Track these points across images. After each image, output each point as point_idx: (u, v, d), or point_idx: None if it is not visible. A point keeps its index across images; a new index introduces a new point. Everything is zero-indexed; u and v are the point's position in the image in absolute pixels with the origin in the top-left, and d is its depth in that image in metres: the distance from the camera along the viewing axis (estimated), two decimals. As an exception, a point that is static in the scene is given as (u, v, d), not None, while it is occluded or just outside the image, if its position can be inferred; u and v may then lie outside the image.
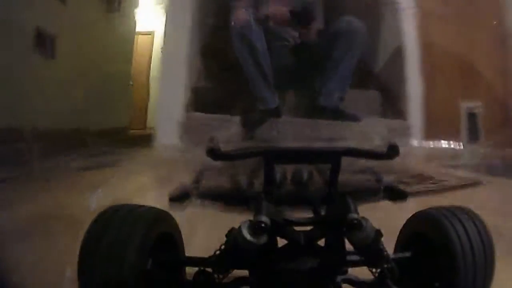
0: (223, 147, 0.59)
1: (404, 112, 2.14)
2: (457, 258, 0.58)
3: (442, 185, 1.65)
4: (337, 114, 1.79)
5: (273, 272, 0.58)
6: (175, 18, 2.20)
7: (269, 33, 1.79)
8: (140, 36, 3.60)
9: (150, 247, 0.55)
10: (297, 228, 0.61)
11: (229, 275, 0.58)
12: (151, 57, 3.87)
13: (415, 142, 2.09)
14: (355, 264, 0.61)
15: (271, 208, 0.56)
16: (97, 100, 2.16)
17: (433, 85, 2.26)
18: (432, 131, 2.18)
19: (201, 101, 2.01)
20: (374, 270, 0.59)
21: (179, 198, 0.70)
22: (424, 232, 0.64)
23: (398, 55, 2.22)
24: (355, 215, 0.53)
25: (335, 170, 0.63)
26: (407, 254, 0.65)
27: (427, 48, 2.26)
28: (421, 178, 1.76)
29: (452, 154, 2.20)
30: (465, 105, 2.37)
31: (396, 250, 0.70)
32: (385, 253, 0.56)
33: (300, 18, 1.86)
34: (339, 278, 0.59)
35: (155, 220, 0.59)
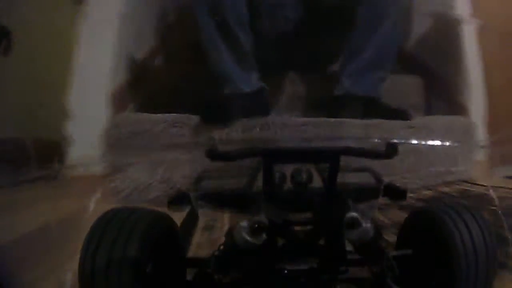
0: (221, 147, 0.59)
1: (462, 106, 1.47)
2: (459, 255, 0.58)
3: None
4: (376, 107, 1.10)
5: (272, 272, 0.58)
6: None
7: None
8: None
9: (150, 248, 0.55)
10: (296, 228, 0.61)
11: (229, 275, 0.58)
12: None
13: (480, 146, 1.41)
14: (355, 263, 0.61)
15: (270, 208, 0.56)
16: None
17: (494, 68, 1.56)
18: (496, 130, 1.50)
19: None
20: (374, 269, 0.59)
21: (178, 202, 0.70)
22: (425, 230, 0.64)
23: (447, 26, 1.51)
24: (354, 214, 0.53)
25: (334, 169, 0.63)
26: (408, 252, 0.65)
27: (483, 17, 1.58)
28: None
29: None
30: None
31: (396, 248, 0.69)
32: (385, 252, 0.56)
33: None
34: (339, 277, 0.59)
35: (155, 222, 0.59)
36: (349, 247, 0.59)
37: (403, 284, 0.58)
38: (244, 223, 0.52)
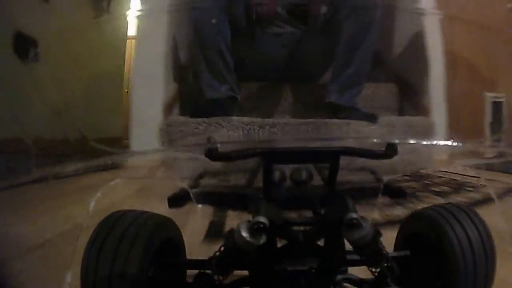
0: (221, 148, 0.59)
1: (426, 108, 1.77)
2: (456, 256, 0.58)
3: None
4: (353, 114, 1.41)
5: (273, 272, 0.58)
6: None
7: (257, 20, 1.46)
8: (132, 40, 3.53)
9: (152, 253, 0.55)
10: (296, 228, 0.61)
11: (229, 276, 0.58)
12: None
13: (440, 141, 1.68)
14: (354, 263, 0.61)
15: (270, 208, 0.56)
16: (87, 108, 1.89)
17: (455, 77, 1.94)
18: (455, 128, 1.84)
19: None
20: (373, 269, 0.59)
21: (178, 201, 0.70)
22: (422, 232, 0.64)
23: (417, 41, 1.83)
24: (354, 215, 0.53)
25: (334, 169, 0.63)
26: (406, 253, 0.65)
27: (448, 34, 1.95)
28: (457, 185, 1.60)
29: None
30: (490, 98, 2.12)
31: (395, 249, 0.70)
32: (385, 252, 0.56)
33: None
34: (339, 277, 0.59)
35: (158, 227, 0.59)
36: (348, 248, 0.59)
37: (403, 285, 0.59)
38: (244, 224, 0.52)
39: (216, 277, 0.57)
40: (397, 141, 0.60)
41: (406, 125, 1.52)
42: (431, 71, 1.80)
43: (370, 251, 0.55)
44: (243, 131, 1.20)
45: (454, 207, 0.63)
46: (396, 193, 0.73)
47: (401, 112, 1.83)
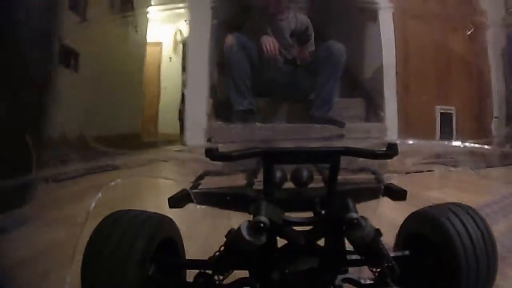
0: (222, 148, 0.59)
1: (382, 117, 2.46)
2: (458, 255, 0.58)
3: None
4: (327, 121, 2.15)
5: (273, 273, 0.58)
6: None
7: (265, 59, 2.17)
8: (148, 46, 3.79)
9: (152, 252, 0.55)
10: (297, 228, 0.61)
11: (229, 276, 0.58)
12: (159, 67, 4.11)
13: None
14: (355, 263, 0.61)
15: (270, 208, 0.56)
16: (112, 108, 2.15)
17: (409, 91, 2.49)
18: (408, 131, 2.51)
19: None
20: (374, 269, 0.59)
21: (179, 201, 0.70)
22: (423, 231, 0.64)
23: (379, 68, 2.52)
24: (354, 215, 0.53)
25: (334, 169, 0.63)
26: (407, 253, 0.65)
27: (403, 61, 2.61)
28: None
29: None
30: (439, 108, 2.60)
31: (395, 249, 0.69)
32: (385, 252, 0.56)
33: (298, 39, 2.23)
34: (339, 277, 0.59)
35: (158, 226, 0.59)
36: (349, 248, 0.59)
37: (404, 285, 0.59)
38: (244, 224, 0.52)
39: (216, 277, 0.57)
40: (397, 141, 0.60)
41: (366, 131, 2.09)
42: (385, 88, 2.34)
43: (370, 251, 0.55)
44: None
45: (455, 206, 0.63)
46: (397, 195, 0.73)
47: (367, 120, 2.41)
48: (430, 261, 0.62)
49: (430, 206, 0.66)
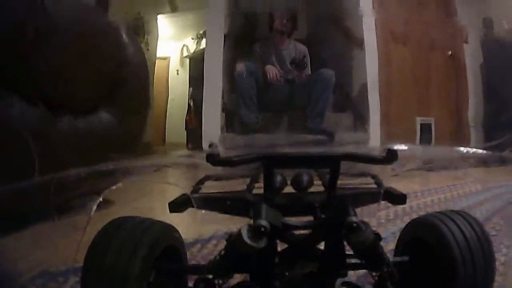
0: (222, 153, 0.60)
1: (366, 128, 3.11)
2: (456, 262, 0.58)
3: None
4: (320, 132, 2.83)
5: (273, 276, 0.58)
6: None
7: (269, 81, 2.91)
8: (157, 60, 4.03)
9: (153, 259, 0.56)
10: (297, 232, 0.61)
11: (230, 280, 0.58)
12: (167, 80, 4.48)
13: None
14: (354, 267, 0.61)
15: (270, 212, 0.56)
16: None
17: (391, 105, 3.06)
18: (390, 139, 2.79)
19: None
20: (373, 273, 0.59)
21: (179, 206, 0.70)
22: (422, 237, 0.64)
23: (364, 85, 3.09)
24: (354, 219, 0.53)
25: (334, 174, 0.64)
26: (406, 259, 0.65)
27: (387, 79, 3.03)
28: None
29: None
30: (419, 119, 3.01)
31: (395, 255, 0.70)
32: (385, 256, 0.57)
33: (296, 65, 2.88)
34: (339, 281, 0.59)
35: (159, 234, 0.59)
36: (349, 252, 0.59)
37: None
38: (244, 227, 0.53)
39: (216, 281, 0.57)
40: (396, 147, 0.61)
41: (353, 140, 2.92)
42: (370, 103, 3.07)
43: (370, 255, 0.56)
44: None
45: (454, 213, 0.63)
46: (396, 199, 0.73)
47: (355, 131, 3.14)
48: (428, 267, 0.63)
49: (428, 214, 0.67)
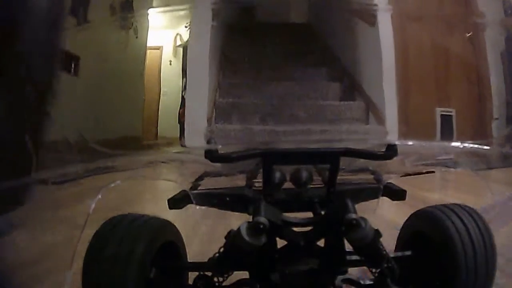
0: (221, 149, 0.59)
1: (382, 119, 2.70)
2: (458, 255, 0.58)
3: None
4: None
5: (273, 273, 0.58)
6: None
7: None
8: (149, 50, 3.92)
9: (153, 256, 0.55)
10: (296, 229, 0.61)
11: (229, 277, 0.58)
12: (160, 71, 4.26)
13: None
14: (354, 264, 0.61)
15: (270, 209, 0.56)
16: (113, 112, 2.19)
17: (409, 95, 2.70)
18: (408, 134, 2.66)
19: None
20: (374, 270, 0.59)
21: (178, 202, 0.70)
22: (424, 231, 0.64)
23: (379, 72, 2.73)
24: (354, 215, 0.53)
25: (334, 170, 0.63)
26: (408, 253, 0.65)
27: (403, 64, 2.79)
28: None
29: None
30: (439, 110, 2.78)
31: (396, 249, 0.70)
32: (385, 252, 0.56)
33: None
34: (339, 278, 0.59)
35: (158, 230, 0.59)
36: (348, 248, 0.59)
37: (404, 285, 0.59)
38: (244, 225, 0.52)
39: (216, 278, 0.57)
40: (397, 142, 0.60)
41: (365, 133, 2.21)
42: (386, 91, 2.54)
43: (370, 252, 0.55)
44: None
45: (457, 206, 0.63)
46: (396, 195, 0.73)
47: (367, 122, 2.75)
48: (430, 261, 0.62)
49: (430, 206, 0.66)
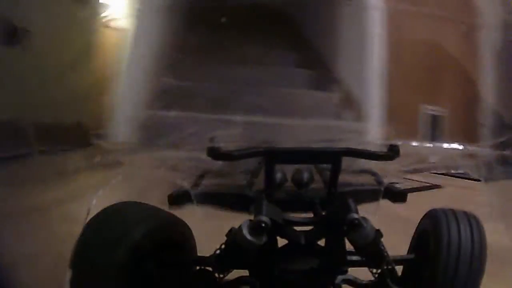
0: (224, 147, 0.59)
1: (363, 115, 2.02)
2: (440, 258, 0.59)
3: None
4: None
5: (273, 272, 0.58)
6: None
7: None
8: (108, 30, 3.65)
9: (152, 247, 0.55)
10: (298, 228, 0.61)
11: (230, 274, 0.58)
12: (114, 53, 3.94)
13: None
14: (355, 264, 0.61)
15: (271, 208, 0.56)
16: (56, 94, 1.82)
17: (396, 90, 2.03)
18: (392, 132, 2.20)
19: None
20: (374, 270, 0.59)
21: (179, 200, 0.70)
22: (429, 232, 0.65)
23: (360, 59, 2.03)
24: (355, 215, 0.53)
25: (335, 170, 0.63)
26: (408, 256, 0.65)
27: (392, 53, 2.04)
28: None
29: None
30: (428, 109, 2.23)
31: (410, 247, 0.70)
32: (385, 253, 0.56)
33: None
34: (339, 278, 0.59)
35: (161, 222, 0.59)
36: (349, 248, 0.59)
37: (404, 286, 0.59)
38: (245, 223, 0.52)
39: (216, 274, 0.57)
40: (399, 143, 0.61)
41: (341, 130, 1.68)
42: (369, 83, 2.05)
43: (371, 252, 0.55)
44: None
45: (460, 213, 0.63)
46: (397, 197, 0.73)
47: (341, 118, 2.03)
48: (427, 263, 0.63)
49: (440, 208, 0.67)
